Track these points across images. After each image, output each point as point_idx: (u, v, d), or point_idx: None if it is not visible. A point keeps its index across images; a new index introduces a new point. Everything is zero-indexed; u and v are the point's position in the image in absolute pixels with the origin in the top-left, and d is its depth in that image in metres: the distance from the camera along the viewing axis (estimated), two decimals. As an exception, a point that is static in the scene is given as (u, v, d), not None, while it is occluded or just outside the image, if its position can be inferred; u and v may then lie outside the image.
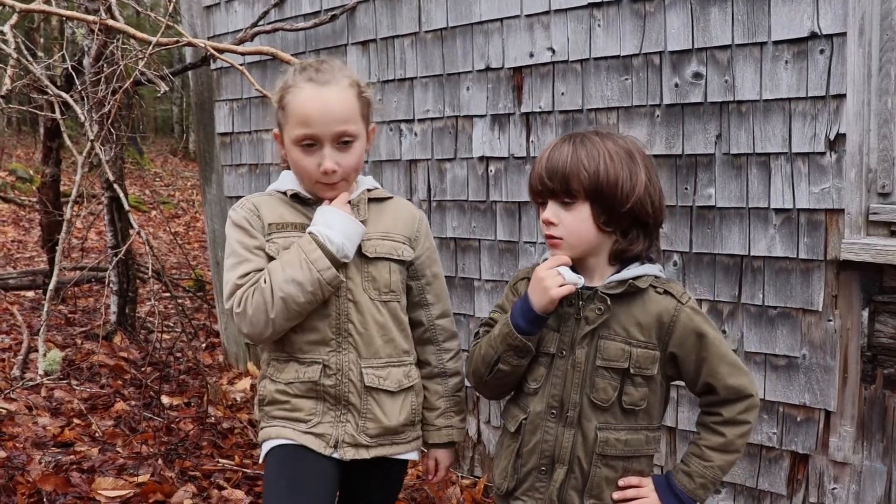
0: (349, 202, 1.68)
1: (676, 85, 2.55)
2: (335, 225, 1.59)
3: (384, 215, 1.73)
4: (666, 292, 1.50)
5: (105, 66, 4.07)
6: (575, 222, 1.47)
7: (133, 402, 3.71)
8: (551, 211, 1.49)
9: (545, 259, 1.55)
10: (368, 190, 1.74)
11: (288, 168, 1.73)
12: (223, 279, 1.64)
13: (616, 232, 1.50)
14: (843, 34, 2.21)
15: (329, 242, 1.57)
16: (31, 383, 3.68)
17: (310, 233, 1.59)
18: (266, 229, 1.64)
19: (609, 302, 1.48)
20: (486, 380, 1.59)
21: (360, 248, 1.65)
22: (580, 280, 1.48)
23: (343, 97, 1.60)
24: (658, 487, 1.52)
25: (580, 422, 1.49)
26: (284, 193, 1.69)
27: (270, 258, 1.62)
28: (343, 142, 1.61)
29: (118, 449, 3.15)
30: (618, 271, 1.51)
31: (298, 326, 1.63)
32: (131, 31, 3.81)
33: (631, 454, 1.51)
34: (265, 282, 1.56)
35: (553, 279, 1.46)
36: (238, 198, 4.35)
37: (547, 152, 1.51)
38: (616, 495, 1.51)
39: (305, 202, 1.69)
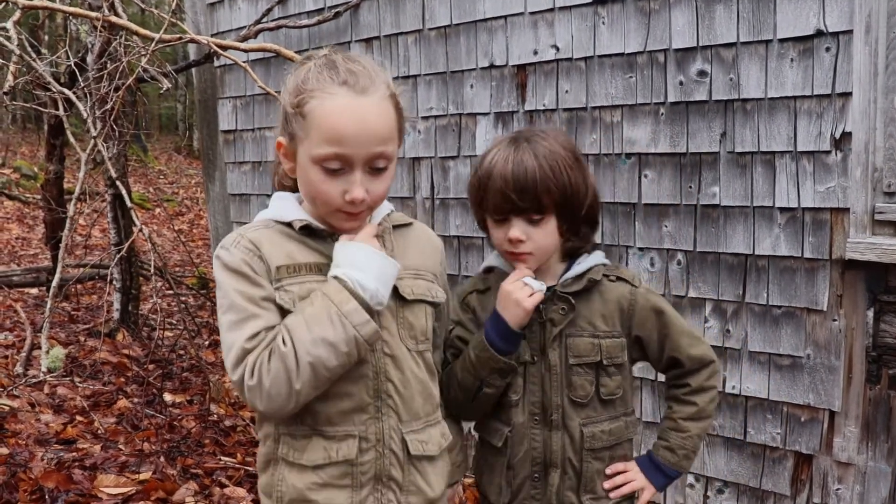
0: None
1: (681, 83, 2.54)
2: (365, 266, 1.27)
3: (410, 247, 1.44)
4: (619, 279, 1.54)
5: (108, 62, 4.07)
6: (545, 237, 1.47)
7: (135, 400, 3.71)
8: (520, 229, 1.46)
9: (487, 268, 1.58)
10: (388, 215, 1.43)
11: (287, 186, 1.42)
12: (223, 340, 1.30)
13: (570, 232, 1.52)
14: (850, 32, 2.19)
15: (361, 289, 1.25)
16: (34, 380, 3.68)
17: (336, 277, 1.27)
18: (274, 274, 1.30)
19: (572, 301, 1.49)
20: (471, 405, 1.57)
21: (394, 289, 1.34)
22: (543, 286, 1.49)
23: (383, 110, 1.30)
24: (643, 468, 1.56)
25: (564, 422, 1.51)
26: (288, 225, 1.35)
27: (282, 310, 1.28)
28: (377, 167, 1.29)
29: (120, 446, 3.14)
30: (567, 267, 1.53)
31: (324, 393, 1.29)
32: (134, 27, 3.82)
33: (615, 442, 1.54)
34: (285, 343, 1.22)
35: (521, 291, 1.46)
36: (241, 196, 4.35)
37: (509, 166, 1.43)
38: (607, 484, 1.53)
39: (318, 235, 1.35)
